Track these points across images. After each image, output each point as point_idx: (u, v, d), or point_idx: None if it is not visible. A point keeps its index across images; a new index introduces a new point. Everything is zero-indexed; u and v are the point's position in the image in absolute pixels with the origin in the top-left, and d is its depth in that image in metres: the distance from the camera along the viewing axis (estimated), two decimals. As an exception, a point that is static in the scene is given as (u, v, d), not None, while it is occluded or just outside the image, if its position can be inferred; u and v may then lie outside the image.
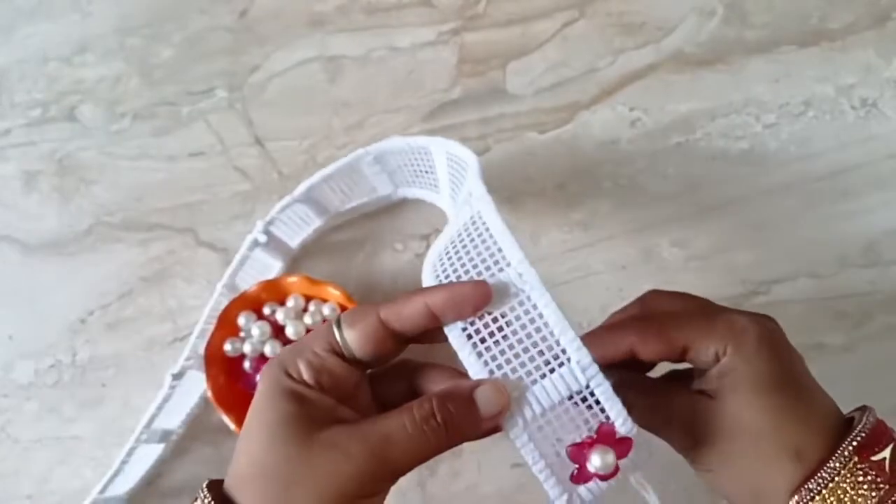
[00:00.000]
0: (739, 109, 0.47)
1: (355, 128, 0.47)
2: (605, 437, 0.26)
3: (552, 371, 0.26)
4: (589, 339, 0.28)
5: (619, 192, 0.46)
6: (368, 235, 0.46)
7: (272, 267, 0.44)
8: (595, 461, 0.26)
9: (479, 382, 0.26)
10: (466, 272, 0.28)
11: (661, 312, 0.31)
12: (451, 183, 0.42)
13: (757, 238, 0.45)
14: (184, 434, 0.43)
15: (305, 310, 0.42)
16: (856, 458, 0.26)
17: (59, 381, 0.44)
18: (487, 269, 0.28)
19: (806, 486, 0.26)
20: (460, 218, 0.30)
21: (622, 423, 0.26)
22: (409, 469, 0.25)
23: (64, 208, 0.46)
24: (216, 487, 0.26)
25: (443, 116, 0.47)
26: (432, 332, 0.27)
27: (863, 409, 0.29)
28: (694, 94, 0.47)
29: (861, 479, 0.26)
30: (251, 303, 0.42)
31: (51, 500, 0.43)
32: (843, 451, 0.26)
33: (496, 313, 0.27)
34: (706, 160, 0.46)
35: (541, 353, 0.27)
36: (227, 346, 0.41)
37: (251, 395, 0.41)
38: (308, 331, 0.42)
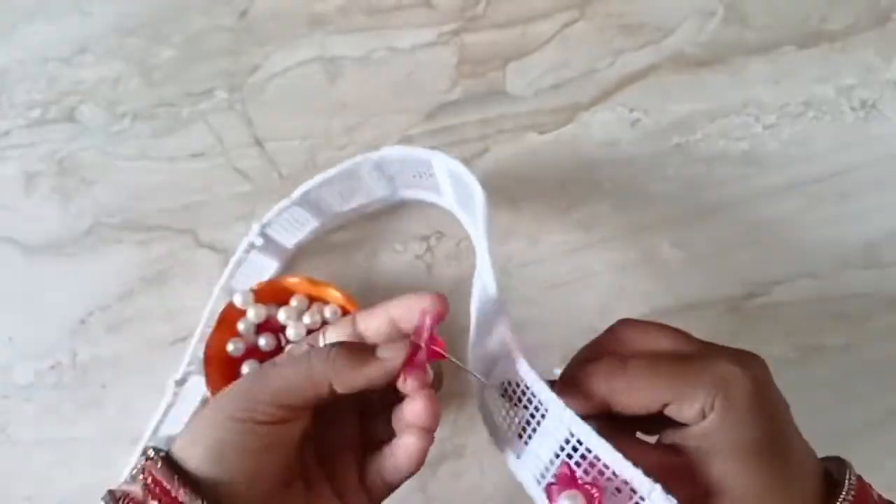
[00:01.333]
0: (739, 110, 0.47)
1: (355, 128, 0.47)
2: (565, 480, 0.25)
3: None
4: (561, 390, 0.27)
5: (618, 193, 0.46)
6: (369, 236, 0.46)
7: (269, 269, 0.44)
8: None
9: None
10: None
11: (638, 357, 0.27)
12: (454, 191, 0.42)
13: (757, 239, 0.45)
14: None
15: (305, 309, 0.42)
16: None
17: (58, 383, 0.44)
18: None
19: None
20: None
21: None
22: (292, 392, 0.26)
23: (64, 209, 0.46)
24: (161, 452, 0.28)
25: (443, 117, 0.47)
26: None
27: (839, 462, 0.28)
28: (694, 95, 0.47)
29: None
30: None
31: (50, 502, 0.43)
32: None
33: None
34: (706, 161, 0.46)
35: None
36: (230, 347, 0.41)
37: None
38: (309, 332, 0.42)
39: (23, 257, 0.46)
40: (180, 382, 0.41)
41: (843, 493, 0.25)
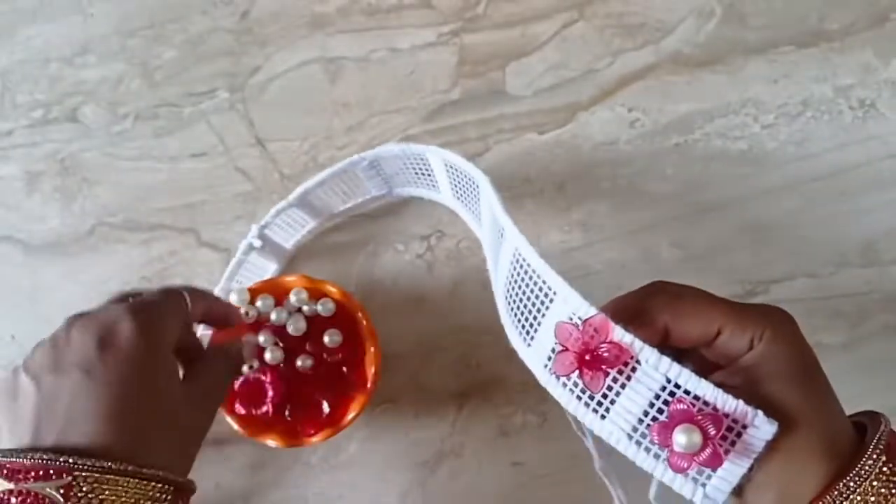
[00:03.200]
0: (738, 110, 0.47)
1: (356, 129, 0.47)
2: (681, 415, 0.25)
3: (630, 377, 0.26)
4: (623, 318, 0.26)
5: (618, 193, 0.46)
6: (370, 236, 0.46)
7: (268, 269, 0.45)
8: (680, 439, 0.24)
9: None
10: (529, 311, 0.29)
11: (691, 289, 0.28)
12: (451, 186, 0.42)
13: (755, 238, 0.46)
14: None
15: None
16: (884, 458, 0.25)
17: (61, 381, 0.44)
18: (543, 304, 0.28)
19: (843, 482, 0.24)
20: (504, 256, 0.29)
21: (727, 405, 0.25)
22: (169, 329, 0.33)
23: (66, 209, 0.46)
24: None
25: (443, 117, 0.47)
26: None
27: (871, 413, 0.29)
28: (692, 95, 0.47)
29: (891, 478, 0.25)
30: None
31: (53, 499, 0.43)
32: (873, 451, 0.25)
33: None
34: (705, 160, 0.47)
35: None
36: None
37: (249, 396, 0.41)
38: (308, 326, 0.42)
39: (25, 257, 0.46)
40: None
41: (882, 426, 0.26)
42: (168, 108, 0.48)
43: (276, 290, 0.42)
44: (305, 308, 0.41)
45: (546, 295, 0.28)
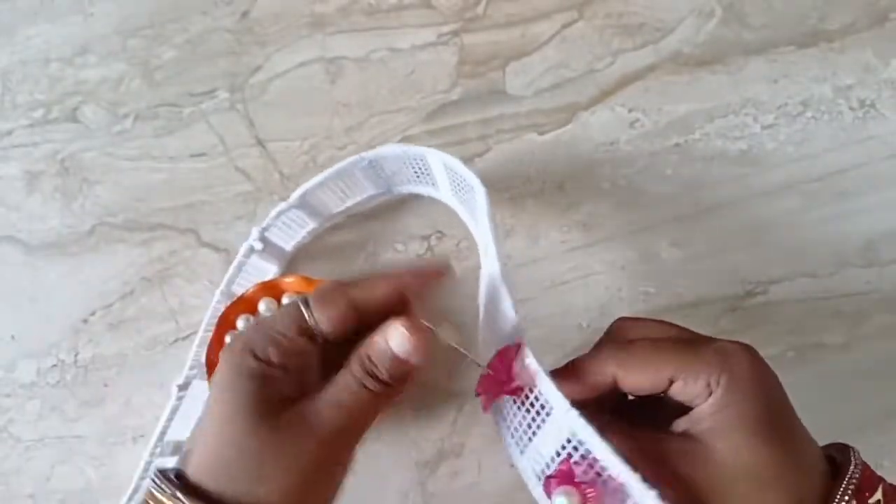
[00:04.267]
0: (738, 110, 0.47)
1: (356, 129, 0.47)
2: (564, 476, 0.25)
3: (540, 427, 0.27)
4: (565, 372, 0.27)
5: (618, 193, 0.46)
6: (370, 236, 0.46)
7: (268, 272, 0.45)
8: (558, 500, 0.25)
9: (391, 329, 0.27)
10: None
11: (640, 339, 0.28)
12: (451, 186, 0.42)
13: (755, 238, 0.46)
14: None
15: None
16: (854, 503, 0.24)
17: (61, 381, 0.44)
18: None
19: None
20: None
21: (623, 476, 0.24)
22: (367, 427, 0.27)
23: (66, 209, 0.46)
24: (180, 476, 0.26)
25: (443, 117, 0.47)
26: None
27: (842, 447, 0.28)
28: (692, 95, 0.47)
29: None
30: (249, 305, 0.42)
31: (53, 500, 0.43)
32: (841, 499, 0.24)
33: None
34: (704, 161, 0.47)
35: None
36: (228, 339, 0.41)
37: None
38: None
39: (25, 256, 0.46)
40: (183, 387, 0.41)
41: (851, 469, 0.25)
42: (168, 108, 0.48)
43: (274, 292, 0.42)
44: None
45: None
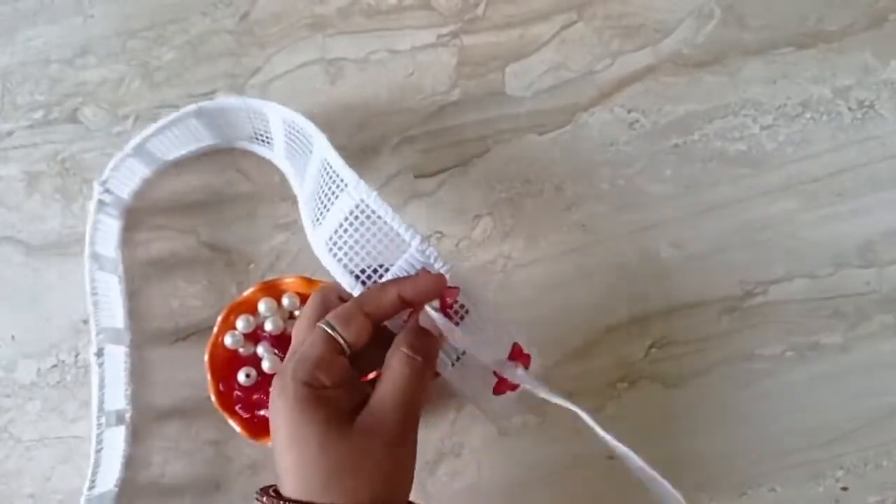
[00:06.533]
0: (737, 111, 0.47)
1: (356, 129, 0.47)
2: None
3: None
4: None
5: (617, 193, 0.46)
6: (368, 236, 0.46)
7: (113, 228, 0.45)
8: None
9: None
10: (368, 253, 0.33)
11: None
12: (286, 145, 0.44)
13: (754, 239, 0.46)
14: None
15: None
16: None
17: (61, 381, 0.45)
18: (387, 249, 0.33)
19: None
20: (342, 204, 0.33)
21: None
22: (421, 408, 0.31)
23: (66, 209, 0.47)
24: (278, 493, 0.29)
25: (442, 118, 0.47)
26: None
27: None
28: (691, 96, 0.47)
29: None
30: (249, 305, 0.42)
31: (53, 500, 0.43)
32: None
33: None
34: (704, 161, 0.47)
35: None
36: (228, 340, 0.41)
37: (250, 399, 0.41)
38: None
39: (25, 257, 0.46)
40: (99, 353, 0.42)
41: None
42: (168, 109, 0.48)
43: (273, 292, 0.42)
44: (297, 313, 0.42)
45: (338, 186, 0.34)
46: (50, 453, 0.44)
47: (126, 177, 0.45)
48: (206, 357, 0.41)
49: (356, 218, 0.33)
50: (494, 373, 0.34)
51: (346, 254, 0.33)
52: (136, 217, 0.46)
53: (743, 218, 0.46)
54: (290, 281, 0.42)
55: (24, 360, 0.45)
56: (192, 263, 0.46)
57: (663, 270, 0.45)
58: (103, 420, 0.41)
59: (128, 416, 0.43)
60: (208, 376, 0.41)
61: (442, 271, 0.32)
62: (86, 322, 0.45)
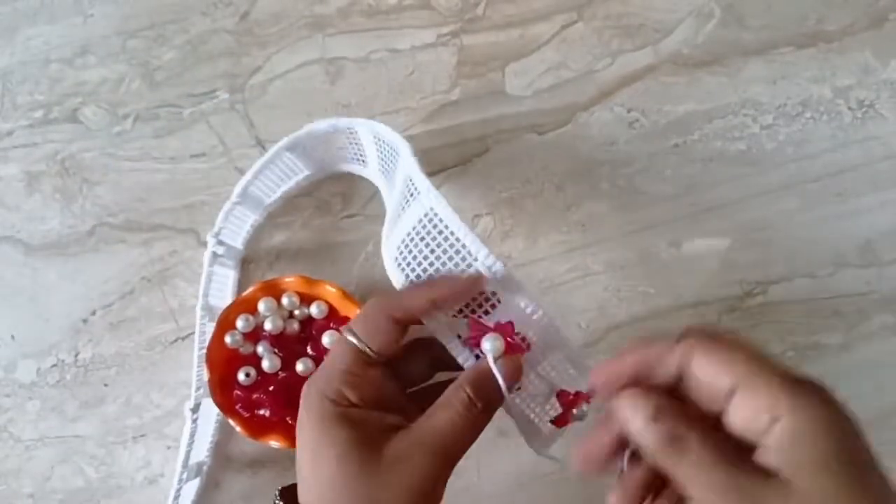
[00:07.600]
0: (737, 111, 0.47)
1: (355, 129, 0.47)
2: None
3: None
4: (629, 353, 0.26)
5: (617, 193, 0.46)
6: (370, 236, 0.46)
7: (229, 277, 0.45)
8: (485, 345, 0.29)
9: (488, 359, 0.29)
10: (431, 264, 0.30)
11: (723, 336, 0.25)
12: (379, 160, 0.43)
13: (754, 239, 0.46)
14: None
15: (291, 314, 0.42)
16: None
17: (61, 381, 0.45)
18: (452, 261, 0.30)
19: None
20: (413, 212, 0.32)
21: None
22: (465, 451, 0.28)
23: (66, 209, 0.47)
24: None
25: (442, 118, 0.47)
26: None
27: None
28: (691, 96, 0.47)
29: None
30: (249, 305, 0.42)
31: (53, 500, 0.43)
32: None
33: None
34: (703, 161, 0.47)
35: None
36: (227, 339, 0.41)
37: (250, 398, 0.41)
38: (309, 328, 0.42)
39: (25, 257, 0.46)
40: (195, 409, 0.41)
41: None
42: (168, 109, 0.48)
43: (273, 291, 0.42)
44: (297, 312, 0.42)
45: (412, 194, 0.32)
46: (50, 453, 0.44)
47: (237, 226, 0.44)
48: (206, 357, 0.41)
49: (423, 227, 0.31)
50: (562, 404, 0.32)
51: (409, 263, 0.31)
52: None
53: (743, 218, 0.46)
54: (289, 280, 0.42)
55: (23, 359, 0.45)
56: (192, 263, 0.46)
57: (663, 270, 0.45)
58: (185, 476, 0.41)
59: (205, 468, 0.43)
60: (208, 376, 0.41)
61: (522, 306, 0.30)
62: (85, 322, 0.45)
